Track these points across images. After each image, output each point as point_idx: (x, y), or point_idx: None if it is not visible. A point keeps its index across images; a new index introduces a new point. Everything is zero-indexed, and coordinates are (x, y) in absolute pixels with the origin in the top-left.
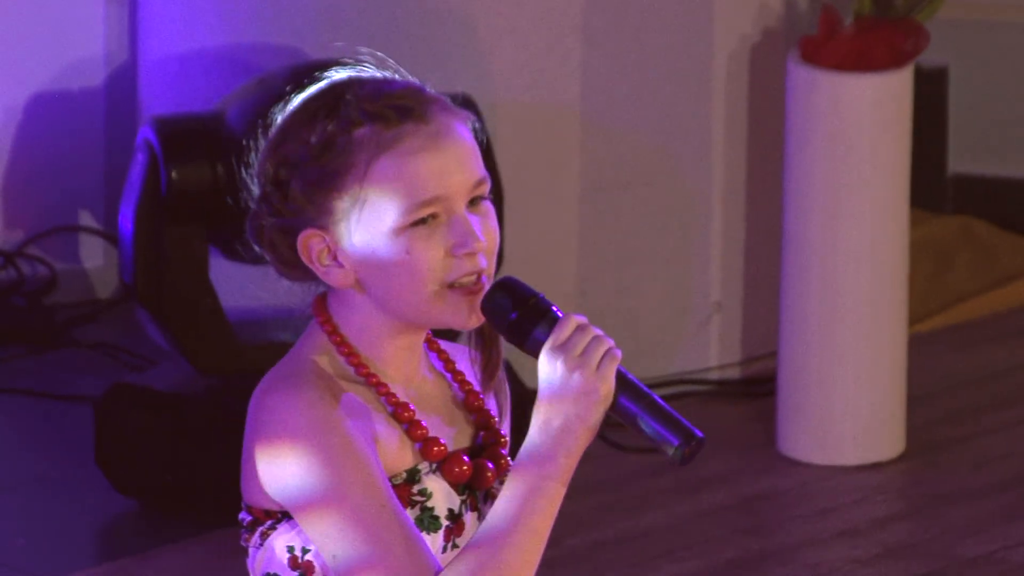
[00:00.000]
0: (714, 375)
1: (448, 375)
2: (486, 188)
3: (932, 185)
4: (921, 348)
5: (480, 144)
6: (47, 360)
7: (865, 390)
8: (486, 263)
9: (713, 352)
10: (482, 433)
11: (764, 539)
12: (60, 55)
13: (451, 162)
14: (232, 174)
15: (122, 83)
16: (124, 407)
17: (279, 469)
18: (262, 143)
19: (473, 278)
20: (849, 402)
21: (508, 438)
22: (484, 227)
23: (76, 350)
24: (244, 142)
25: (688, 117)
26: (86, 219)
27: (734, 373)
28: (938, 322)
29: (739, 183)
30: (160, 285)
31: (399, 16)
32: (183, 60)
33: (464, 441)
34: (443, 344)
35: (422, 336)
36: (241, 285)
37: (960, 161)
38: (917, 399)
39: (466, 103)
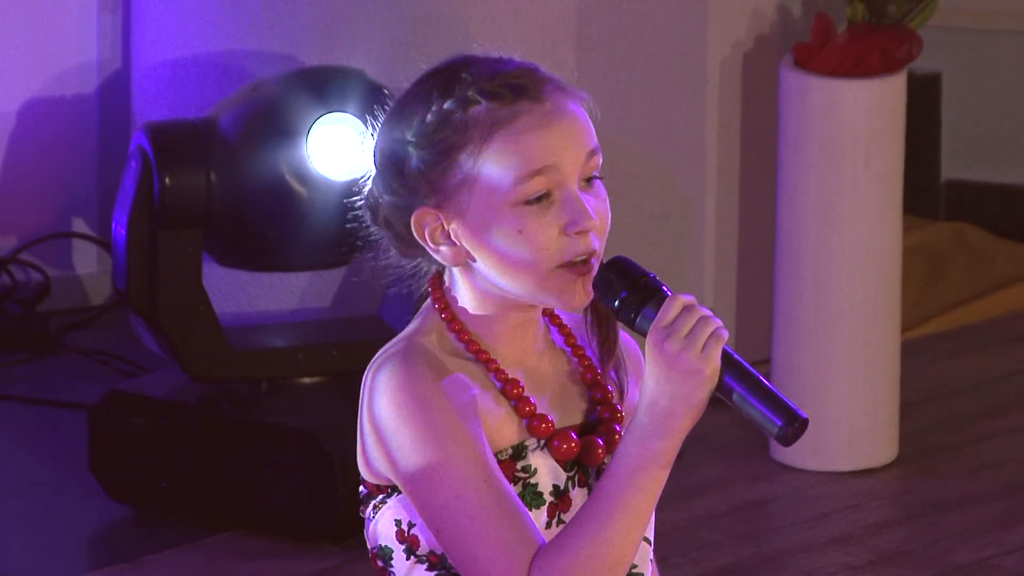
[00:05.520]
0: None
1: (568, 349)
2: (598, 161)
3: (925, 191)
4: (914, 354)
5: (596, 124)
6: (41, 367)
7: (859, 396)
8: (598, 244)
9: None
10: (598, 408)
11: (758, 545)
12: (53, 62)
13: (563, 139)
14: (224, 180)
15: (115, 90)
16: (118, 414)
17: (385, 444)
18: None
19: (584, 259)
20: (843, 408)
21: (624, 414)
22: (597, 207)
23: (70, 357)
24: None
25: (682, 124)
26: (80, 226)
27: None
28: (931, 328)
29: (732, 190)
30: (154, 292)
31: (393, 23)
32: (176, 67)
33: (577, 417)
34: (564, 317)
35: (535, 313)
36: (235, 291)
37: (953, 167)
38: (911, 405)
39: None
